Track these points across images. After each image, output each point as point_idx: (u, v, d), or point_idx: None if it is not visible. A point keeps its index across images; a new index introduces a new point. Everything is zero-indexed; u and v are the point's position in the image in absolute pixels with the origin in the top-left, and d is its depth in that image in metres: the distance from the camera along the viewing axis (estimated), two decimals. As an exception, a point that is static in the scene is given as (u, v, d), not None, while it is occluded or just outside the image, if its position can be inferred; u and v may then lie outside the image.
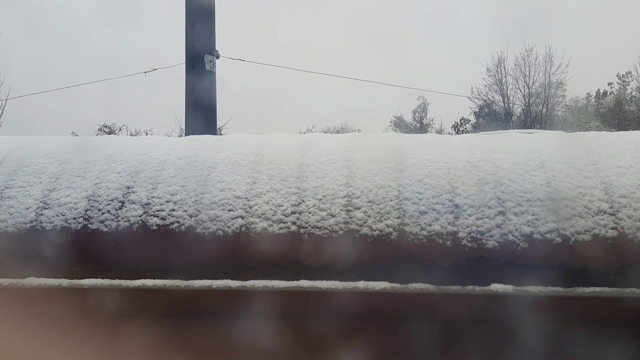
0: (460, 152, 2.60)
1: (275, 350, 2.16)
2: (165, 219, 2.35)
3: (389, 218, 2.29)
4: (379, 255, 2.23)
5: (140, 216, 2.36)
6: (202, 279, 2.18)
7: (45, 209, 2.41)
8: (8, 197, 2.47)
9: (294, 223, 2.30)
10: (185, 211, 2.36)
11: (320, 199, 2.37)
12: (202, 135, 3.06)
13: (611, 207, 2.26)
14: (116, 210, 2.39)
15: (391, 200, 2.35)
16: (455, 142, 2.73)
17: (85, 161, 2.65)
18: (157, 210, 2.37)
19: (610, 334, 2.08)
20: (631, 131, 2.85)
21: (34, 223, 2.36)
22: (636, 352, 2.08)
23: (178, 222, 2.33)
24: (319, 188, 2.42)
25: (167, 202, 2.40)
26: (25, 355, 2.13)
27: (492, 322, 2.12)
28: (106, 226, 2.34)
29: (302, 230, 2.28)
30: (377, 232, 2.26)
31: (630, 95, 29.28)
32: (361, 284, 2.14)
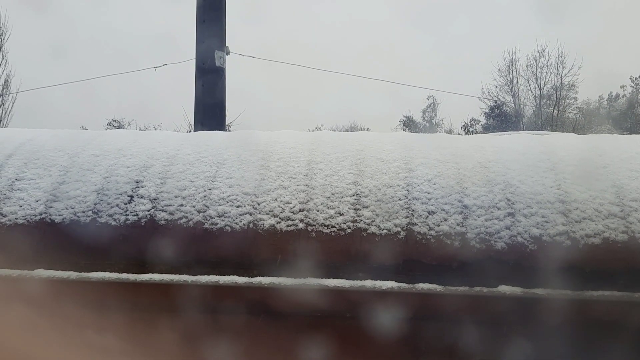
0: (470, 152, 2.59)
1: (280, 347, 2.16)
2: (173, 214, 2.35)
3: (397, 217, 2.28)
4: (386, 254, 2.23)
5: (148, 211, 2.37)
6: (209, 275, 2.19)
7: (54, 201, 2.42)
8: (18, 189, 2.49)
9: (301, 220, 2.29)
10: (194, 206, 2.36)
11: (329, 197, 2.37)
12: (211, 131, 3.06)
13: (622, 211, 2.24)
14: (125, 204, 2.40)
15: (400, 199, 2.34)
16: (465, 143, 2.72)
17: (95, 155, 2.67)
18: (166, 205, 2.38)
19: (619, 338, 2.06)
20: (644, 134, 2.82)
21: (43, 215, 2.38)
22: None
23: (186, 217, 2.34)
24: (328, 186, 2.41)
25: (176, 197, 2.41)
26: (32, 346, 2.14)
27: (499, 324, 2.10)
28: (115, 220, 2.35)
29: (309, 228, 2.27)
30: (385, 231, 2.25)
31: (642, 98, 28.97)
32: (368, 283, 2.14)
